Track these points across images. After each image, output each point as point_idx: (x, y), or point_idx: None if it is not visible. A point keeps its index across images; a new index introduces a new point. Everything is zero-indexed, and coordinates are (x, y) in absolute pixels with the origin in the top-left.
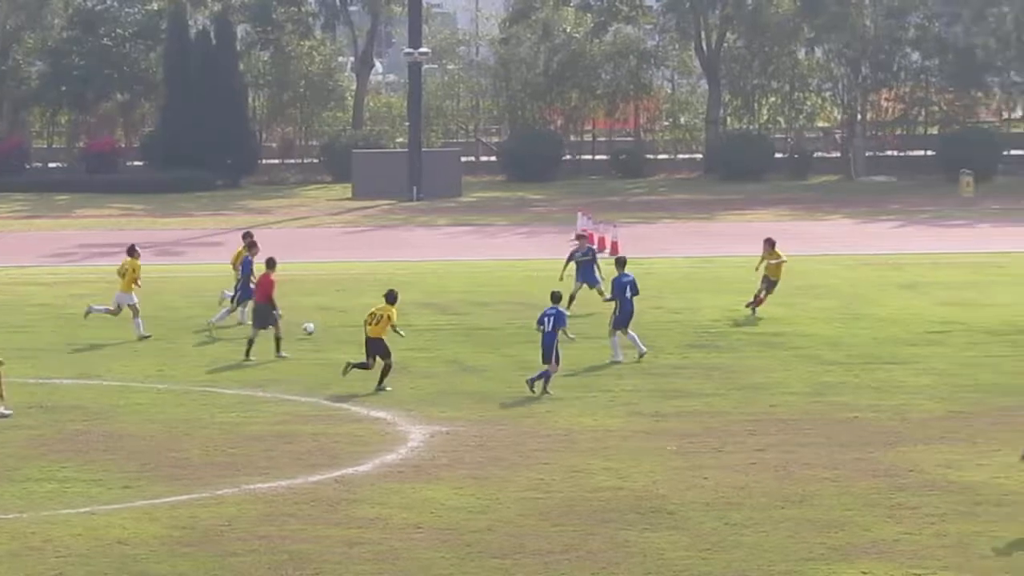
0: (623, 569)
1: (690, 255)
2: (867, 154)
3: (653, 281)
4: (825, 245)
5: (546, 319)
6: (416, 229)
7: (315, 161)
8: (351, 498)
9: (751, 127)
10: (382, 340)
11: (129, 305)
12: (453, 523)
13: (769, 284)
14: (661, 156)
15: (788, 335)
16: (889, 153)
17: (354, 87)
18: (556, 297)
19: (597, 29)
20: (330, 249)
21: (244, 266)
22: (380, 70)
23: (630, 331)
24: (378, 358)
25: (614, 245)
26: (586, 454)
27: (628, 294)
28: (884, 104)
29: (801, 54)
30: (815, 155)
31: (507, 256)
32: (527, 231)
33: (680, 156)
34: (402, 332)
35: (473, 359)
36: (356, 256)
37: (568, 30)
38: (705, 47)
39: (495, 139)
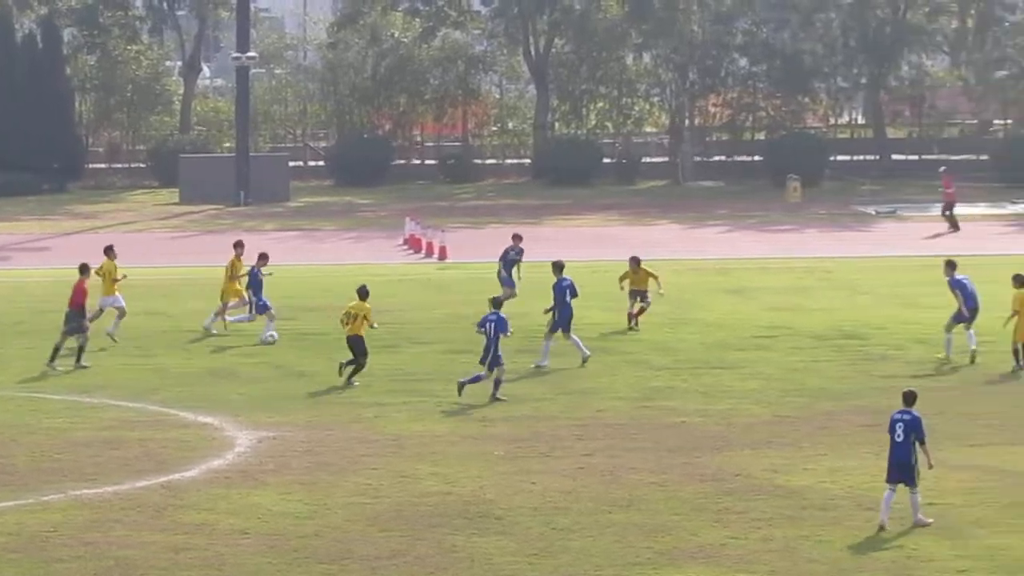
0: (451, 574)
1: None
2: (695, 159)
3: (481, 286)
4: (653, 250)
5: (488, 324)
6: (243, 234)
7: (142, 166)
8: (178, 504)
9: (579, 132)
10: (361, 338)
11: (116, 307)
12: (280, 529)
13: (635, 294)
14: (489, 161)
15: (616, 340)
16: (717, 158)
17: (181, 91)
18: (497, 303)
19: (425, 34)
20: (157, 254)
21: (251, 278)
22: (208, 74)
23: (572, 335)
24: (355, 355)
25: (442, 250)
26: (414, 459)
27: (568, 298)
28: (712, 109)
29: (629, 59)
30: (643, 160)
31: (335, 261)
32: (355, 236)
33: (508, 161)
34: (375, 325)
35: (301, 364)
36: (183, 261)
37: (396, 35)
38: (533, 52)
39: (323, 144)
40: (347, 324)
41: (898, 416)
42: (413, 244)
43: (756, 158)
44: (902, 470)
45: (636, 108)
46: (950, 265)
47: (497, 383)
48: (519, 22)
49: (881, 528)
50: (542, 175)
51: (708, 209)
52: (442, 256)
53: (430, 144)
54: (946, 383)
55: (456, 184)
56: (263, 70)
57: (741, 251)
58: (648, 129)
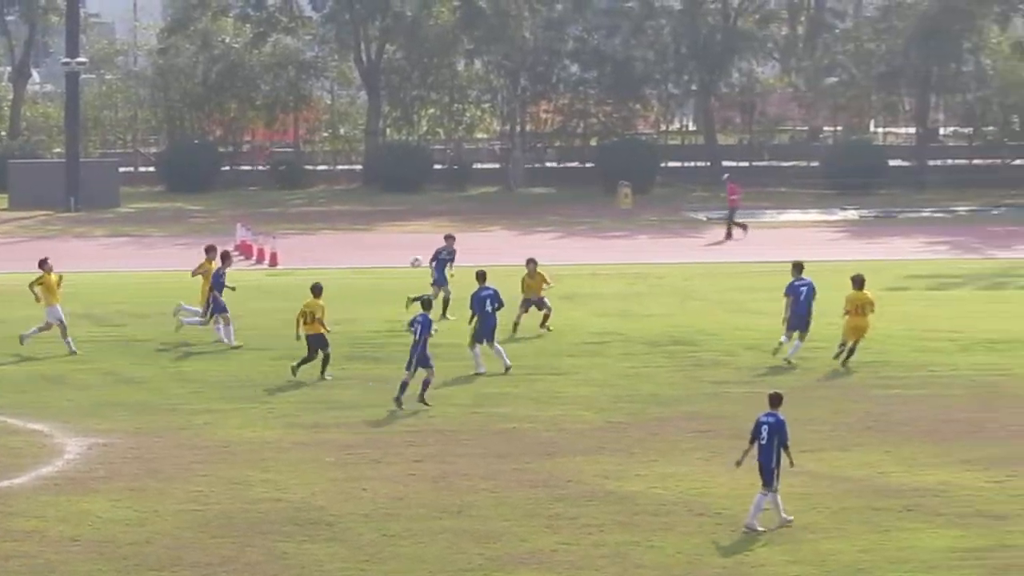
0: None
1: (350, 266)
2: (526, 165)
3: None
4: (484, 256)
5: (416, 324)
6: (73, 240)
7: None
8: (7, 511)
9: (411, 138)
10: (320, 335)
11: (51, 320)
12: (110, 536)
13: (528, 303)
14: (320, 167)
15: (447, 346)
16: (548, 164)
17: (11, 97)
18: (426, 303)
19: (256, 40)
20: None
21: (215, 278)
22: (37, 80)
23: (496, 344)
24: (319, 351)
25: (273, 256)
26: (244, 466)
27: (488, 307)
28: (543, 116)
29: (461, 65)
30: (475, 166)
31: (165, 267)
32: (186, 242)
33: (339, 167)
34: (325, 325)
35: (131, 371)
36: (11, 267)
37: (227, 41)
38: (365, 58)
39: (154, 149)
40: (305, 323)
41: (763, 419)
42: (244, 250)
43: (587, 164)
44: (763, 471)
45: (468, 114)
46: (796, 267)
47: (425, 384)
48: (350, 28)
49: (788, 523)
50: (373, 181)
51: (540, 215)
52: (273, 262)
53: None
54: (776, 389)
55: (287, 190)
56: (93, 75)
57: (573, 257)
58: (480, 135)
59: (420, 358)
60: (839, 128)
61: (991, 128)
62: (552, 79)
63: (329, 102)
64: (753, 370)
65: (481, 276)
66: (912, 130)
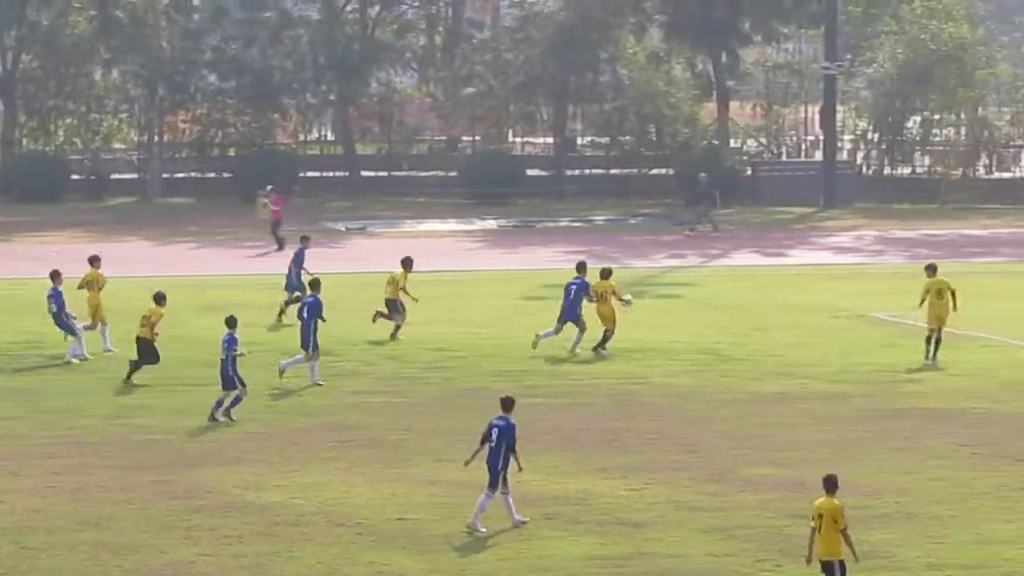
0: None
1: None
2: (164, 176)
3: None
4: (122, 267)
5: (224, 344)
6: None
7: None
8: None
9: (47, 148)
10: (149, 341)
11: None
12: None
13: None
14: None
15: (94, 359)
16: (189, 174)
17: None
18: (231, 322)
19: None
20: None
21: (55, 297)
22: None
23: (299, 356)
24: (145, 355)
25: None
26: None
27: (304, 314)
28: (181, 126)
29: (98, 75)
30: (112, 177)
31: None
32: None
33: None
34: (157, 332)
35: None
36: None
37: None
38: (1, 68)
39: None
40: (141, 326)
41: (495, 421)
42: None
43: (226, 175)
44: (490, 472)
45: (105, 124)
46: (577, 267)
47: (236, 399)
48: None
49: (524, 523)
50: (9, 191)
51: (178, 225)
52: None
53: None
54: (412, 399)
55: None
56: None
57: (210, 267)
58: (117, 145)
59: (234, 376)
60: (477, 138)
61: (628, 138)
62: (190, 89)
63: None
64: (392, 380)
65: (312, 284)
66: (550, 140)
